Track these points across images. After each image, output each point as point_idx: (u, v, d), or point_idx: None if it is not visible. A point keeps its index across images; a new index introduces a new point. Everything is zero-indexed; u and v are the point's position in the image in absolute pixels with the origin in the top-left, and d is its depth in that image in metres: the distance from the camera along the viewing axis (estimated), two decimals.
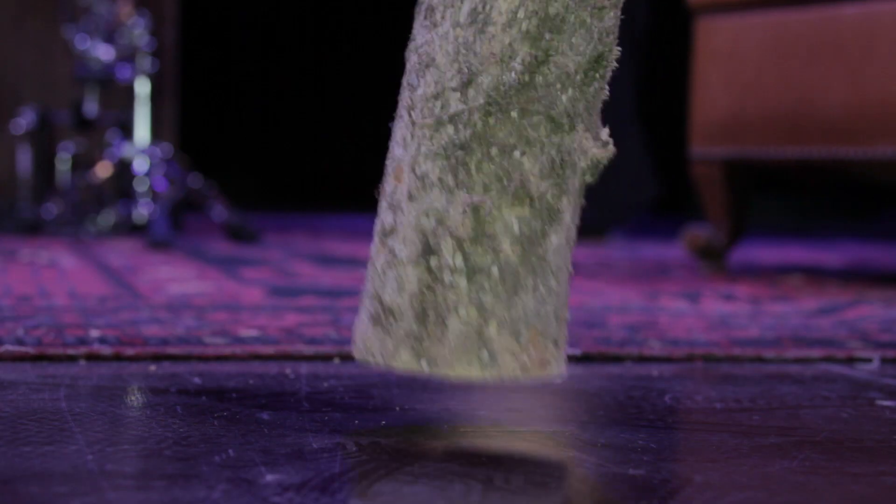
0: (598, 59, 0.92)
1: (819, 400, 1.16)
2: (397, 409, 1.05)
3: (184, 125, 4.82)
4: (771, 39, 2.54)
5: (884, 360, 1.42)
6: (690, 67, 2.73)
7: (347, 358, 1.33)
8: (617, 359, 1.37)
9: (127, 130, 3.65)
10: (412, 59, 0.95)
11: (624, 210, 3.99)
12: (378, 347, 0.93)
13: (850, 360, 1.42)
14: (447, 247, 0.91)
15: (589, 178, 0.94)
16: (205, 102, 5.80)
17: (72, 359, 1.26)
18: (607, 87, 0.95)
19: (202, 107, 5.67)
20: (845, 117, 2.40)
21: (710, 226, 2.72)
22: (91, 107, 3.60)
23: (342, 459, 0.85)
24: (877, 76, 2.36)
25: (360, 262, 2.69)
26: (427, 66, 0.93)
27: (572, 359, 1.36)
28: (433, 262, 0.91)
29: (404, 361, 0.92)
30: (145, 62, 3.62)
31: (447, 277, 0.90)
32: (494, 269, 0.90)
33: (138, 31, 3.57)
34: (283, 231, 4.03)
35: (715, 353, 1.41)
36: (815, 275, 2.67)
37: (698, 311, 1.85)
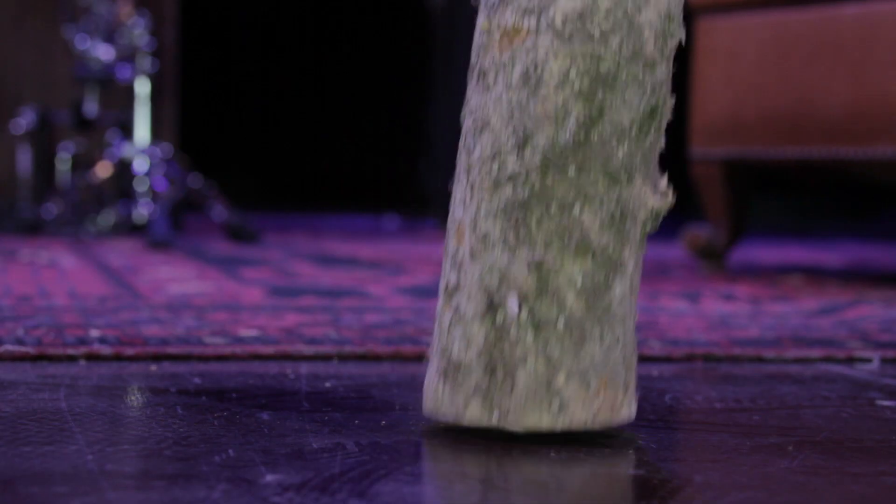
0: (653, 112, 0.94)
1: (819, 400, 1.16)
2: (397, 409, 1.05)
3: (184, 125, 4.82)
4: (771, 39, 2.54)
5: (884, 360, 1.42)
6: (690, 67, 2.73)
7: (347, 358, 1.33)
8: None
9: (127, 130, 3.65)
10: (467, 123, 0.97)
11: None
12: (448, 403, 0.96)
13: (850, 360, 1.42)
14: (512, 301, 0.93)
15: (650, 228, 0.97)
16: (205, 102, 5.80)
17: (72, 359, 1.26)
18: (664, 138, 0.96)
19: (202, 107, 5.67)
20: (845, 117, 2.40)
21: (710, 226, 2.72)
22: (91, 107, 3.60)
23: (342, 459, 0.85)
24: (877, 76, 2.36)
25: (360, 262, 2.69)
26: (482, 128, 0.95)
27: None
28: (499, 317, 0.93)
29: (474, 415, 0.94)
30: (145, 62, 3.62)
31: (513, 332, 0.93)
32: (560, 322, 0.93)
33: (138, 31, 3.57)
34: (283, 231, 4.03)
35: (715, 353, 1.41)
36: (815, 275, 2.67)
37: (698, 311, 1.85)
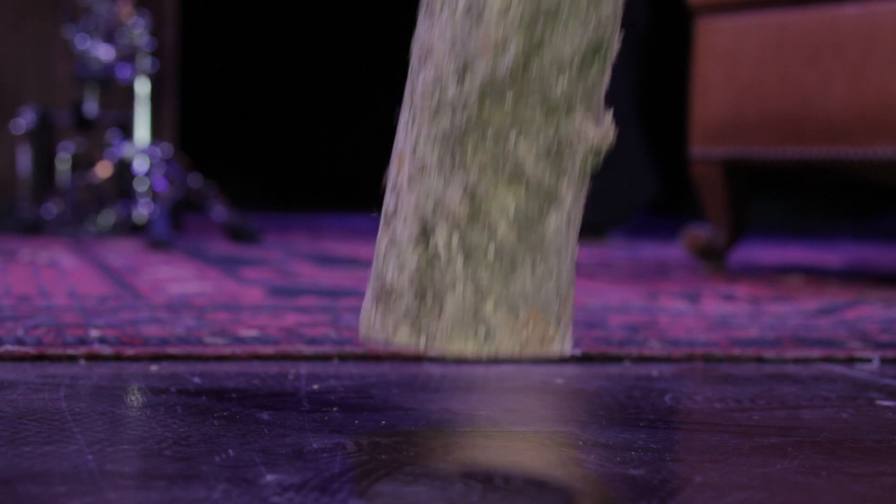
0: (597, 47, 0.93)
1: (819, 400, 1.16)
2: (397, 409, 1.05)
3: (184, 125, 4.82)
4: (771, 39, 2.54)
5: (884, 360, 1.42)
6: (690, 67, 2.73)
7: (347, 358, 1.33)
8: (617, 359, 1.37)
9: (127, 130, 3.65)
10: (414, 52, 0.97)
11: (624, 210, 3.99)
12: (380, 325, 0.96)
13: (850, 360, 1.42)
14: (445, 227, 0.93)
15: (591, 162, 0.95)
16: (205, 102, 5.80)
17: (72, 359, 1.26)
18: (609, 73, 0.96)
19: (202, 107, 5.67)
20: (845, 117, 2.40)
21: (710, 226, 2.72)
22: (91, 107, 3.60)
23: (342, 459, 0.85)
24: (877, 76, 2.36)
25: (360, 262, 2.69)
26: (426, 57, 0.95)
27: (572, 359, 1.37)
28: (431, 242, 0.93)
29: (403, 337, 0.94)
30: (145, 62, 3.62)
31: (445, 256, 0.92)
32: (491, 249, 0.92)
33: (138, 31, 3.57)
34: (283, 231, 4.03)
35: (715, 353, 1.41)
36: (815, 275, 2.67)
37: (698, 311, 1.85)
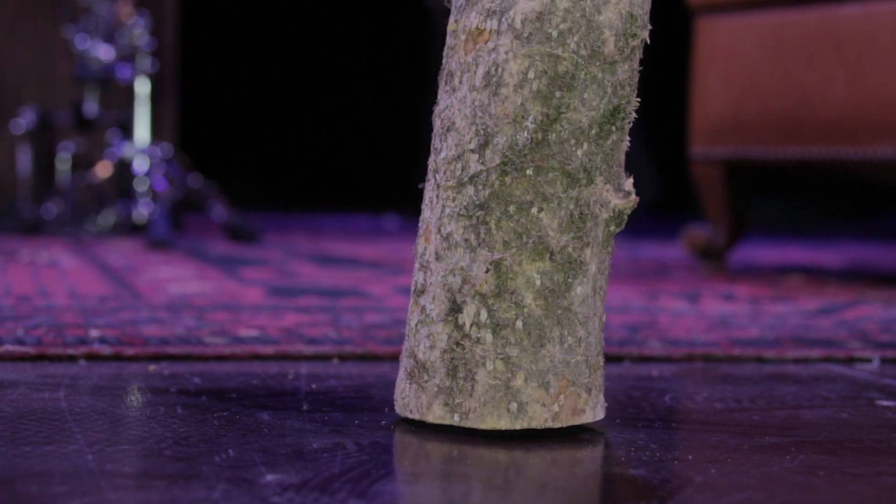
0: (614, 112, 0.95)
1: (819, 400, 1.16)
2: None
3: (184, 125, 4.82)
4: (771, 40, 2.55)
5: (884, 360, 1.42)
6: (690, 67, 2.73)
7: (347, 358, 1.33)
8: (617, 359, 1.37)
9: (127, 130, 3.65)
10: (436, 124, 0.99)
11: None
12: (414, 402, 0.98)
13: (850, 360, 1.42)
14: (472, 303, 0.94)
15: (614, 228, 0.97)
16: (205, 102, 5.80)
17: (72, 359, 1.26)
18: (628, 138, 0.97)
19: (202, 107, 5.67)
20: (845, 117, 2.40)
21: (710, 226, 2.72)
22: (91, 107, 3.60)
23: (342, 459, 0.85)
24: (877, 76, 2.36)
25: (359, 262, 2.69)
26: (448, 129, 0.97)
27: None
28: (460, 319, 0.95)
29: (437, 416, 0.96)
30: (145, 62, 3.62)
31: (473, 333, 0.94)
32: (518, 323, 0.94)
33: (138, 31, 3.57)
34: (283, 231, 4.03)
35: (715, 353, 1.41)
36: (815, 275, 2.67)
37: (698, 311, 1.85)
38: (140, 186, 3.52)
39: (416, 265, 0.99)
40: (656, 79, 5.40)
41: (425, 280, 0.97)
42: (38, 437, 0.89)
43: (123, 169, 3.58)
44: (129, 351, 1.28)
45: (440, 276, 0.96)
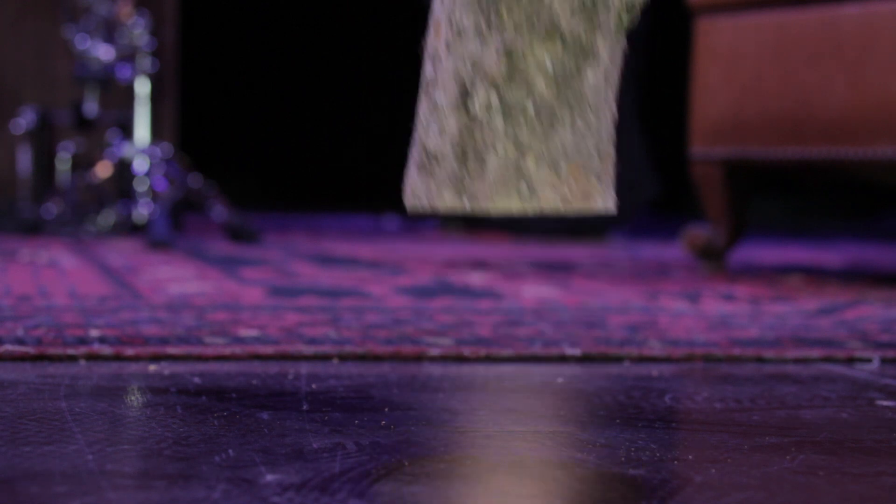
0: None
1: (819, 400, 1.16)
2: (397, 409, 1.05)
3: (184, 125, 4.82)
4: (771, 40, 2.54)
5: (884, 360, 1.42)
6: (690, 67, 2.73)
7: (347, 358, 1.33)
8: (617, 359, 1.37)
9: (127, 130, 3.65)
10: None
11: (624, 210, 3.99)
12: (424, 191, 0.96)
13: (850, 360, 1.42)
14: (483, 88, 0.93)
15: (625, 17, 0.95)
16: (205, 102, 5.80)
17: (72, 359, 1.26)
18: None
19: (202, 107, 5.67)
20: (845, 117, 2.40)
21: (710, 226, 2.72)
22: (91, 107, 3.60)
23: (342, 459, 0.85)
24: (877, 76, 2.36)
25: (359, 262, 2.69)
26: None
27: (572, 359, 1.37)
28: (470, 104, 0.93)
29: (447, 201, 0.95)
30: (145, 62, 3.62)
31: (484, 117, 0.93)
32: (529, 106, 0.93)
33: (138, 31, 3.57)
34: (283, 231, 4.03)
35: (715, 353, 1.41)
36: (815, 275, 2.67)
37: (698, 311, 1.85)
38: (140, 186, 3.52)
39: (426, 57, 0.97)
40: (656, 79, 5.40)
41: (435, 70, 0.96)
42: (38, 437, 0.89)
43: (123, 169, 3.58)
44: (129, 351, 1.28)
45: (451, 65, 0.94)
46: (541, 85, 0.93)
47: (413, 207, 0.98)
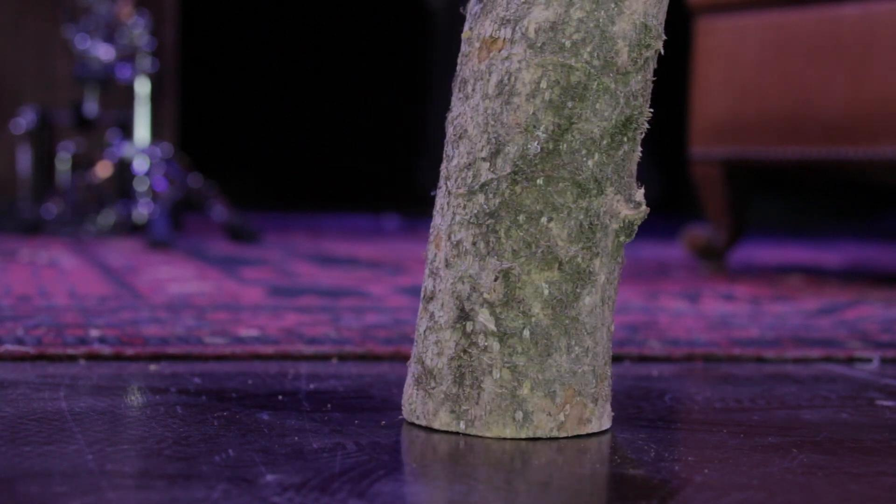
0: (626, 123, 0.95)
1: (819, 400, 1.16)
2: (397, 409, 1.05)
3: (184, 125, 4.82)
4: (771, 39, 2.54)
5: (884, 360, 1.42)
6: (690, 67, 2.73)
7: (347, 358, 1.33)
8: (617, 359, 1.37)
9: (127, 130, 3.65)
10: (449, 131, 0.99)
11: None
12: (420, 408, 0.98)
13: (850, 360, 1.42)
14: (480, 310, 0.94)
15: (624, 239, 0.97)
16: (205, 102, 5.80)
17: (72, 359, 1.26)
18: (640, 148, 0.97)
19: (202, 107, 5.67)
20: (845, 117, 2.40)
21: (710, 226, 2.72)
22: (91, 107, 3.60)
23: (342, 459, 0.85)
24: (877, 76, 2.36)
25: (359, 262, 2.69)
26: (460, 137, 0.97)
27: None
28: (468, 326, 0.95)
29: (443, 422, 0.96)
30: (145, 62, 3.62)
31: (481, 341, 0.94)
32: (526, 332, 0.94)
33: (138, 30, 3.57)
34: (283, 231, 4.03)
35: (715, 353, 1.41)
36: (815, 275, 2.67)
37: (698, 311, 1.85)
38: (140, 186, 3.52)
39: (427, 271, 0.99)
40: (656, 79, 5.40)
41: (434, 287, 0.97)
42: (38, 437, 0.89)
43: (123, 169, 3.58)
44: (129, 351, 1.28)
45: (449, 283, 0.96)
46: (538, 311, 0.94)
47: (409, 420, 0.99)
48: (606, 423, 0.98)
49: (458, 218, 0.96)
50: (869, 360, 1.42)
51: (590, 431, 0.96)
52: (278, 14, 6.25)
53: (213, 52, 6.03)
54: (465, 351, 0.94)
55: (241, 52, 6.22)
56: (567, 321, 0.94)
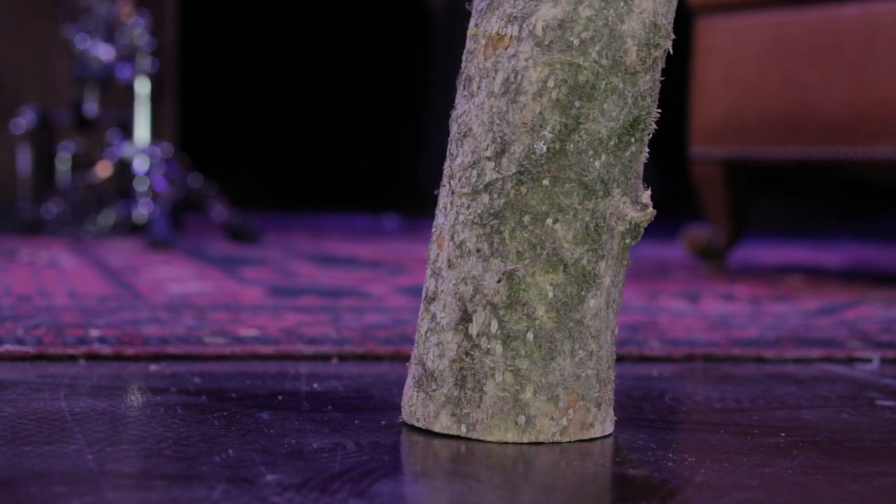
0: (634, 124, 0.93)
1: (819, 400, 1.16)
2: (397, 409, 1.05)
3: (184, 125, 4.82)
4: (771, 39, 2.54)
5: (884, 360, 1.42)
6: (690, 67, 2.73)
7: (347, 358, 1.33)
8: (617, 359, 1.37)
9: (127, 130, 3.65)
10: (453, 129, 0.97)
11: None
12: (421, 411, 0.97)
13: (850, 360, 1.42)
14: (483, 313, 0.93)
15: (630, 241, 0.96)
16: (205, 102, 5.80)
17: (72, 359, 1.26)
18: (647, 150, 0.96)
19: (202, 107, 5.67)
20: (845, 117, 2.40)
21: (710, 226, 2.72)
22: (91, 107, 3.60)
23: (342, 459, 0.85)
24: (877, 76, 2.36)
25: (359, 262, 2.69)
26: (465, 135, 0.95)
27: None
28: (471, 328, 0.94)
29: (444, 425, 0.95)
30: (145, 62, 3.62)
31: (484, 343, 0.93)
32: (529, 335, 0.93)
33: (138, 30, 3.57)
34: (283, 231, 4.03)
35: (715, 353, 1.41)
36: (815, 275, 2.67)
37: (698, 311, 1.85)
38: (140, 186, 3.52)
39: (428, 271, 0.98)
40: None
41: (436, 287, 0.96)
42: (38, 437, 0.89)
43: (123, 169, 3.58)
44: (129, 351, 1.28)
45: (452, 284, 0.95)
46: (541, 314, 0.93)
47: (409, 422, 0.98)
48: (609, 428, 0.97)
49: (461, 218, 0.95)
50: (869, 360, 1.42)
51: (593, 436, 0.95)
52: (278, 14, 6.25)
53: (213, 52, 6.03)
54: (467, 353, 0.93)
55: (241, 52, 6.22)
56: (571, 324, 0.93)
